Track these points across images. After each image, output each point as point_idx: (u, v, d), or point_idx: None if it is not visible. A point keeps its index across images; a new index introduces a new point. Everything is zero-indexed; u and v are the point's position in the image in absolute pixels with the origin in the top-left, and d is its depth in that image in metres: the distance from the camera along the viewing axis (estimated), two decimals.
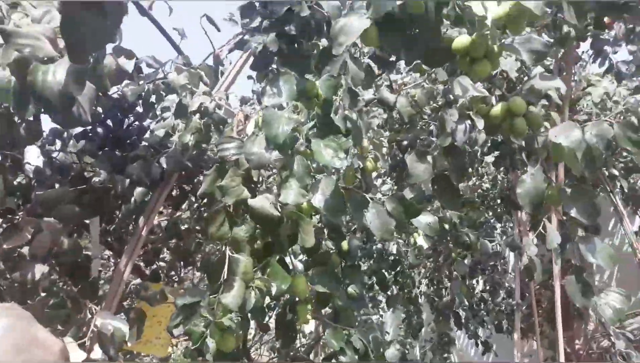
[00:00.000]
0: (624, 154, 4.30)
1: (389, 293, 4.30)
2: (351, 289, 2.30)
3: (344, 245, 2.35)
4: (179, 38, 2.30)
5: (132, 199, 1.94)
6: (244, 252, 1.60)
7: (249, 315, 1.66)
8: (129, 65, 1.67)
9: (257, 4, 1.88)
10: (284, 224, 1.61)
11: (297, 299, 1.79)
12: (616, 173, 3.96)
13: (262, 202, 1.58)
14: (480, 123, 1.53)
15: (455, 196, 1.66)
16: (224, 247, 1.62)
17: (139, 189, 1.96)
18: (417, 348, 6.00)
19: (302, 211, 1.69)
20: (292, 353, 1.86)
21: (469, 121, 1.54)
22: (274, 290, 1.59)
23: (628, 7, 3.17)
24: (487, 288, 4.51)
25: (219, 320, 1.50)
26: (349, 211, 1.67)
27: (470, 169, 3.01)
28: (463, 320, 3.64)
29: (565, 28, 3.09)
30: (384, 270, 4.17)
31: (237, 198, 1.59)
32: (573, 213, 1.53)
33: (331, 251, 2.38)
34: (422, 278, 5.47)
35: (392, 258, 4.02)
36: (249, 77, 2.54)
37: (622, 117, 4.43)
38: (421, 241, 2.94)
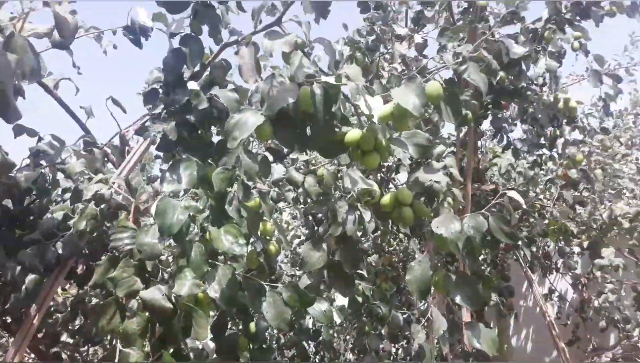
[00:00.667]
0: (529, 221, 4.58)
1: None
2: None
3: (252, 326, 2.33)
4: (86, 117, 2.29)
5: (24, 287, 1.85)
6: (135, 346, 1.56)
7: None
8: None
9: (160, 91, 1.92)
10: (178, 316, 1.58)
11: None
12: (519, 242, 4.20)
13: (154, 294, 1.56)
14: (367, 215, 1.61)
15: (349, 283, 1.71)
16: (114, 341, 1.58)
17: (30, 277, 1.88)
18: None
19: (199, 302, 1.68)
20: None
21: (358, 212, 1.62)
22: None
23: (518, 92, 3.48)
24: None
25: None
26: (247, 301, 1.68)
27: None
28: None
29: (464, 111, 3.34)
30: (304, 342, 4.15)
31: (128, 290, 1.56)
32: (458, 299, 1.61)
33: (238, 334, 2.35)
34: (347, 347, 5.45)
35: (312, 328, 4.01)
36: (157, 156, 2.55)
37: (523, 188, 4.76)
38: (335, 317, 2.96)
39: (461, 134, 4.13)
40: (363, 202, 1.64)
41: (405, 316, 3.00)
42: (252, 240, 1.94)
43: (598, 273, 3.98)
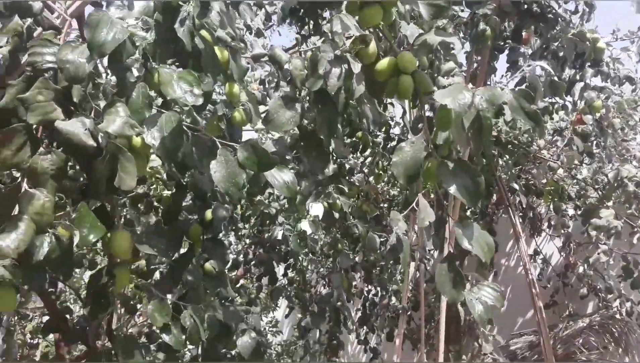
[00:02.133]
0: (526, 169, 4.30)
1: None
2: (209, 265, 1.98)
3: (208, 214, 2.03)
4: None
5: None
6: (45, 188, 1.24)
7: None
8: None
9: None
10: (101, 159, 1.26)
11: (117, 260, 1.44)
12: (516, 186, 3.92)
13: (75, 126, 1.22)
14: (356, 67, 1.27)
15: (323, 157, 1.39)
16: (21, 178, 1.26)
17: None
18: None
19: (133, 149, 1.35)
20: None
21: (345, 65, 1.28)
22: (76, 240, 1.24)
23: (544, 16, 3.08)
24: (376, 290, 4.34)
25: None
26: (195, 159, 1.36)
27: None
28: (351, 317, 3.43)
29: (482, 25, 2.95)
30: (274, 262, 3.90)
31: (44, 117, 1.23)
32: (452, 190, 1.30)
33: (191, 221, 2.06)
34: (319, 277, 5.23)
35: (284, 249, 3.75)
36: None
37: (528, 138, 4.43)
38: (305, 226, 2.68)
39: (472, 68, 3.76)
40: (354, 53, 1.30)
41: (382, 239, 2.72)
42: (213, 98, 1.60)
43: (593, 233, 3.71)
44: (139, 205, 3.25)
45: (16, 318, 4.29)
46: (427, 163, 1.36)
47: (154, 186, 3.42)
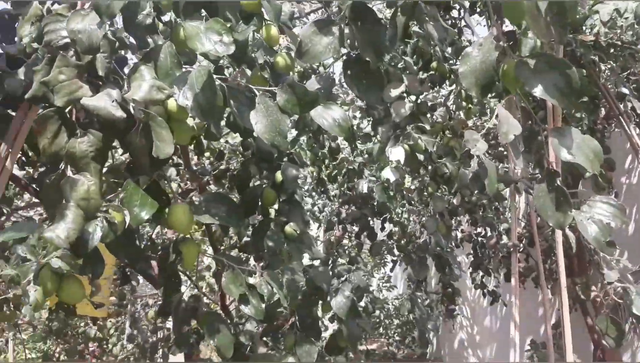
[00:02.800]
0: (635, 71, 3.73)
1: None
2: (289, 227, 1.88)
3: (278, 175, 1.92)
4: None
5: None
6: (88, 171, 1.17)
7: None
8: None
9: None
10: (135, 131, 1.17)
11: (182, 237, 1.37)
12: (626, 91, 3.39)
13: (101, 100, 1.14)
14: None
15: (375, 84, 1.19)
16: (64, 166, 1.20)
17: None
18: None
19: (171, 115, 1.25)
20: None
21: None
22: (127, 219, 1.17)
23: None
24: (485, 231, 4.07)
25: (44, 260, 1.09)
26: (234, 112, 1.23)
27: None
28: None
29: None
30: (368, 217, 3.76)
31: (69, 97, 1.15)
32: (538, 91, 1.05)
33: (263, 185, 1.96)
34: (421, 226, 5.02)
35: (376, 203, 3.58)
36: None
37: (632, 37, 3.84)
38: (388, 173, 2.49)
39: None
40: None
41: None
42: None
43: None
44: (223, 181, 3.24)
45: (140, 304, 4.56)
46: (502, 65, 1.12)
47: (235, 160, 3.39)
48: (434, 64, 2.76)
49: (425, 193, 2.79)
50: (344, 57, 1.21)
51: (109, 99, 1.14)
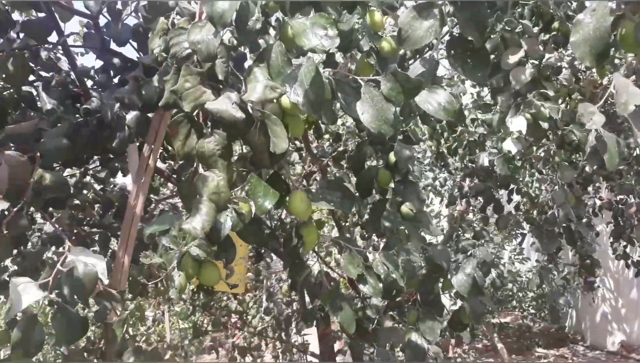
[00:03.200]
0: None
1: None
2: (405, 207, 1.91)
3: (391, 156, 1.95)
4: None
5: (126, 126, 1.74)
6: (216, 168, 1.31)
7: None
8: None
9: None
10: (254, 129, 1.27)
11: (303, 221, 1.46)
12: None
13: (222, 104, 1.26)
14: None
15: (481, 61, 1.17)
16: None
17: (132, 114, 1.75)
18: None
19: (285, 111, 1.34)
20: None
21: None
22: (254, 209, 1.29)
23: None
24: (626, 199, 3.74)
25: (184, 249, 1.25)
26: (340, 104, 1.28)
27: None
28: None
29: None
30: (492, 190, 3.64)
31: (195, 102, 1.29)
32: None
33: (378, 166, 2.01)
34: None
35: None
36: None
37: None
38: (509, 145, 2.40)
39: None
40: None
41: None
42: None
43: None
44: (341, 162, 3.34)
45: (274, 278, 4.87)
46: (619, 30, 1.05)
47: (352, 141, 3.47)
48: (555, 24, 2.58)
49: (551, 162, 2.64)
50: (447, 38, 1.20)
51: (229, 102, 1.26)
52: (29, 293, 1.22)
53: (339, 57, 2.65)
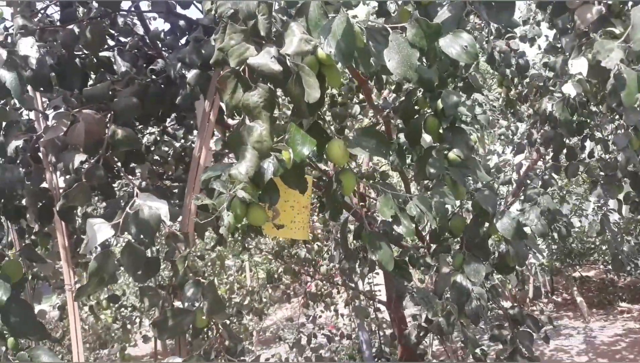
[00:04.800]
0: None
1: None
2: (453, 154, 1.96)
3: (439, 103, 1.98)
4: None
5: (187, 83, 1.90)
6: (260, 119, 1.43)
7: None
8: None
9: None
10: (290, 81, 1.37)
11: (342, 168, 1.56)
12: None
13: (262, 58, 1.36)
14: None
15: (506, 6, 1.18)
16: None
17: (192, 72, 1.90)
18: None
19: (322, 62, 1.42)
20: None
21: None
22: (292, 155, 1.40)
23: None
24: None
25: (232, 192, 1.39)
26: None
27: None
28: None
29: None
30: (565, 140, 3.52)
31: (240, 58, 1.40)
32: None
33: (426, 114, 2.05)
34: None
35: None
36: None
37: None
38: (569, 88, 2.34)
39: None
40: None
41: None
42: None
43: None
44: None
45: None
46: None
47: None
48: None
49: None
50: None
51: (268, 56, 1.36)
52: (102, 231, 1.43)
53: (392, 7, 2.65)
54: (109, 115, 1.72)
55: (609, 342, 6.26)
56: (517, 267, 1.97)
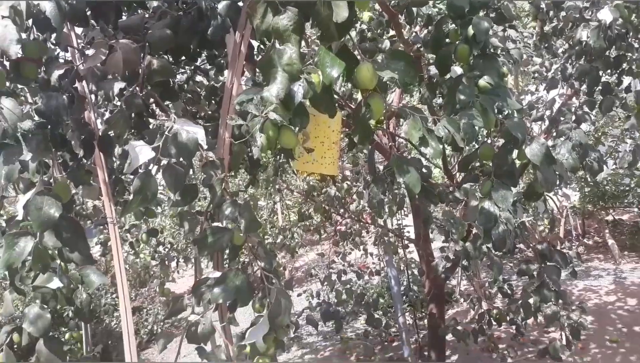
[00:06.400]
0: None
1: None
2: (483, 81, 1.96)
3: (470, 30, 1.96)
4: None
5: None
6: (290, 42, 1.46)
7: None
8: None
9: None
10: (320, 3, 1.39)
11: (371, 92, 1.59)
12: None
13: None
14: None
15: None
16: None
17: (223, 3, 1.93)
18: None
19: None
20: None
21: None
22: (321, 78, 1.44)
23: None
24: None
25: (264, 114, 1.44)
26: None
27: None
28: None
29: None
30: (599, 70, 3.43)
31: None
32: None
33: (457, 43, 2.03)
34: None
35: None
36: None
37: None
38: (604, 14, 2.27)
39: None
40: None
41: None
42: None
43: None
44: None
45: None
46: None
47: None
48: None
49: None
50: None
51: None
52: (144, 152, 1.51)
53: None
54: (144, 46, 1.77)
55: (639, 283, 6.26)
56: (548, 206, 1.99)
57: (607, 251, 7.61)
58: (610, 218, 8.48)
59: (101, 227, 4.28)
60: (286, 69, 1.43)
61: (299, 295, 5.63)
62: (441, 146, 1.53)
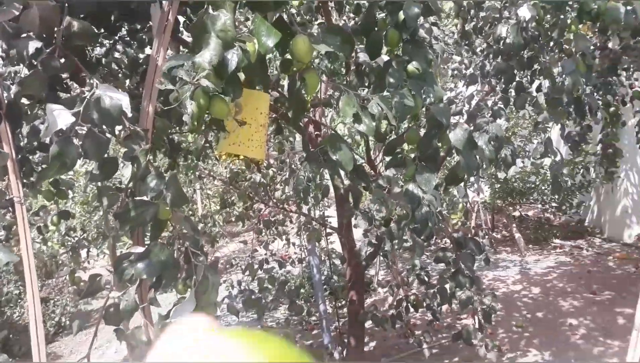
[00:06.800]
0: None
1: None
2: (411, 66, 2.00)
3: (400, 14, 2.00)
4: None
5: None
6: (224, 8, 1.41)
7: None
8: None
9: None
10: None
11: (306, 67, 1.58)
12: None
13: None
14: None
15: None
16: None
17: None
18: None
19: None
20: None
21: None
22: (256, 47, 1.41)
23: None
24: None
25: (195, 80, 1.39)
26: None
27: None
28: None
29: None
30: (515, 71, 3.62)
31: None
32: None
33: (388, 26, 2.06)
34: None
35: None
36: None
37: None
38: (523, 11, 2.39)
39: None
40: None
41: None
42: None
43: None
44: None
45: (297, 157, 5.07)
46: None
47: None
48: None
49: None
50: None
51: None
52: (62, 117, 1.40)
53: None
54: (63, 6, 1.64)
55: (541, 273, 6.72)
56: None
57: (514, 244, 8.11)
58: (517, 213, 9.05)
59: (4, 210, 3.96)
60: (220, 35, 1.39)
61: (223, 281, 5.54)
62: (374, 124, 1.54)
